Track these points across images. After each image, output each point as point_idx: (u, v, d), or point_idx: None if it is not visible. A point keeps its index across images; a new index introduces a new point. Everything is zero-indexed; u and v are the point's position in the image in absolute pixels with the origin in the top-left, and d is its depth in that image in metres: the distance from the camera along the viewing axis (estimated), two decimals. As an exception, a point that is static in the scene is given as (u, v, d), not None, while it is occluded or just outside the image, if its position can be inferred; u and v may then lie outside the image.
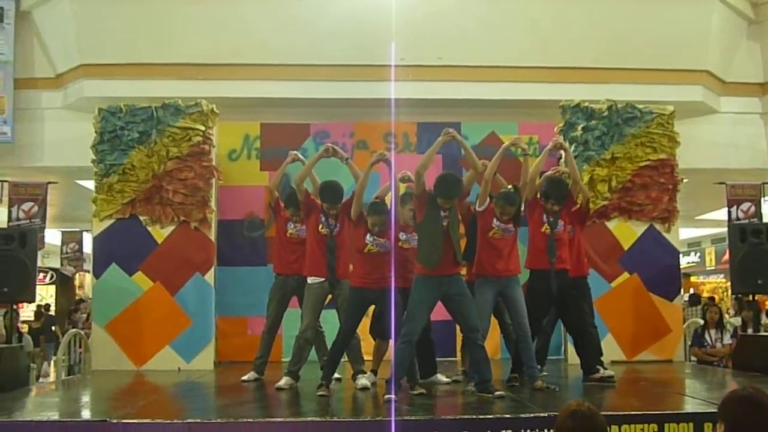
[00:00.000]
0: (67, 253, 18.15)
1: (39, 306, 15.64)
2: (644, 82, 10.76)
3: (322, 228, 7.35)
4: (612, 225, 9.86)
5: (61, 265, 19.01)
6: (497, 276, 6.93)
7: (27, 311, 15.43)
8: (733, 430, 3.16)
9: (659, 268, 9.85)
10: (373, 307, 7.33)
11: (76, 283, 21.69)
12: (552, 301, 7.35)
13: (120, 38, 10.58)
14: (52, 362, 12.84)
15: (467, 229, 7.52)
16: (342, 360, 7.25)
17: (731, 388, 3.44)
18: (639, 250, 9.85)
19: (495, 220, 6.94)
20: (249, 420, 5.36)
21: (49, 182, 11.68)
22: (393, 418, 5.29)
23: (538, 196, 7.42)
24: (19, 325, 13.50)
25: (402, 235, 7.20)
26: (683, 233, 19.53)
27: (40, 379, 11.21)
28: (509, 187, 7.31)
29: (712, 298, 15.96)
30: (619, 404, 6.54)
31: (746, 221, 11.66)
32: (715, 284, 24.42)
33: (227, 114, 10.11)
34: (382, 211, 6.78)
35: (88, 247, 15.09)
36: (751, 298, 10.21)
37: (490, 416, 5.41)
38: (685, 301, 14.53)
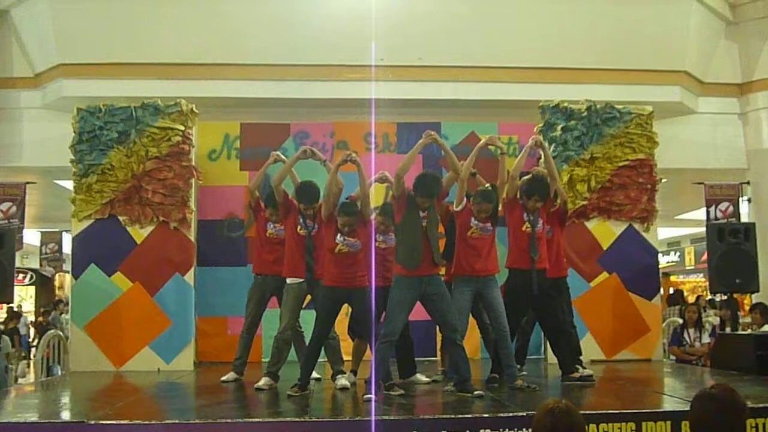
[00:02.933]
0: (46, 253, 18.03)
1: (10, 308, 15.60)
2: (623, 83, 10.83)
3: (300, 229, 7.35)
4: (591, 225, 9.90)
5: (41, 265, 18.89)
6: (476, 276, 6.93)
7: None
8: (696, 428, 3.19)
9: (638, 268, 9.90)
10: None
11: (56, 283, 21.58)
12: (532, 300, 7.37)
13: (99, 38, 10.53)
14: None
15: (446, 230, 7.54)
16: (321, 360, 7.25)
17: (709, 386, 3.45)
18: (618, 250, 9.89)
19: (473, 219, 6.94)
20: (228, 420, 5.35)
21: (28, 182, 11.61)
22: (373, 418, 5.29)
23: (518, 195, 7.44)
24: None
25: (378, 236, 7.22)
26: (663, 233, 19.70)
27: (19, 380, 11.14)
28: (487, 185, 7.33)
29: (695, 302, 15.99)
30: (598, 403, 6.56)
31: (724, 221, 11.74)
32: (695, 283, 24.58)
33: (207, 114, 10.09)
34: (351, 212, 6.79)
35: (67, 247, 15.01)
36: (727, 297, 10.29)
37: (469, 416, 5.41)
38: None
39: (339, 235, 6.79)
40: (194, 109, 9.76)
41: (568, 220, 8.52)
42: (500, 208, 7.26)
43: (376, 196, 8.92)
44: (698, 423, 3.19)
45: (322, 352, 7.19)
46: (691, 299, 15.03)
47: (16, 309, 16.25)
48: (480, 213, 6.92)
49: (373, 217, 7.22)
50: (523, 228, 7.33)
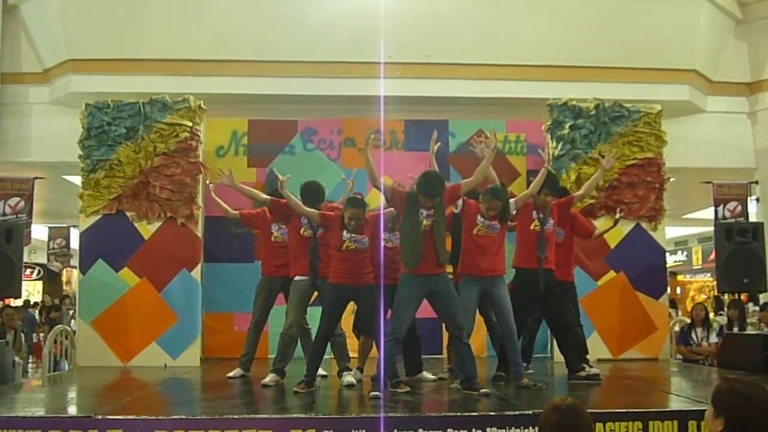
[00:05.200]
0: (53, 248, 18.07)
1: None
2: (632, 81, 10.82)
3: (304, 231, 7.34)
4: (599, 223, 9.78)
5: (48, 260, 18.93)
6: (481, 275, 6.89)
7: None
8: (735, 428, 3.12)
9: (645, 267, 9.86)
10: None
11: (64, 278, 21.62)
12: (538, 298, 7.34)
13: (107, 33, 10.57)
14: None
15: (451, 232, 7.47)
16: (328, 357, 7.25)
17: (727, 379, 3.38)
18: (625, 249, 9.85)
19: (479, 216, 6.88)
20: (234, 416, 5.35)
21: (36, 177, 11.64)
22: (382, 415, 5.28)
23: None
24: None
25: (385, 234, 7.20)
26: (670, 232, 19.61)
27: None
28: (497, 183, 7.30)
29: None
30: (604, 402, 6.53)
31: (732, 220, 11.71)
32: (702, 283, 24.52)
33: (215, 110, 10.09)
34: (358, 205, 6.77)
35: (75, 242, 15.03)
36: (736, 296, 10.25)
37: (475, 413, 5.40)
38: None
39: (345, 231, 6.77)
40: (202, 105, 9.76)
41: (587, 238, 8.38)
42: (515, 212, 7.18)
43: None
44: (738, 423, 3.11)
45: (329, 348, 7.19)
46: (698, 299, 14.99)
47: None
48: (489, 210, 6.84)
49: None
50: (532, 227, 7.29)
